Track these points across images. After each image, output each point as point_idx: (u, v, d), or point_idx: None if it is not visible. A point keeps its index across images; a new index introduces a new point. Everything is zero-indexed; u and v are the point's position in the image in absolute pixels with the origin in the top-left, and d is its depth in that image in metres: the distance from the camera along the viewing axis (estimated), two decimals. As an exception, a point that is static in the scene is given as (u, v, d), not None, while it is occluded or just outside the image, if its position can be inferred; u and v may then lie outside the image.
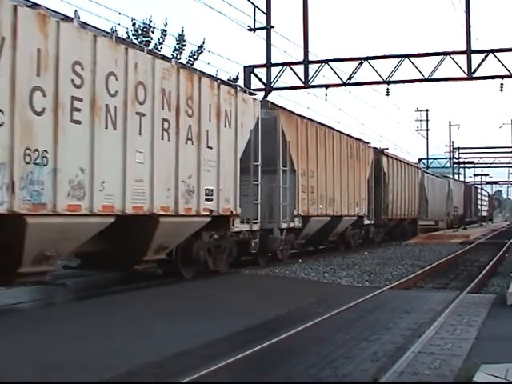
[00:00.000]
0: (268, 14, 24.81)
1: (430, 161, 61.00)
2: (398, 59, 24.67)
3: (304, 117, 19.30)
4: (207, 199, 13.09)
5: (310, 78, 25.53)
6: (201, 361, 6.50)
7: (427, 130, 65.16)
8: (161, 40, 25.55)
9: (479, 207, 73.85)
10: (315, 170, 19.30)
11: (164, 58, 12.58)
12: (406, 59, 24.45)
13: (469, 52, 23.48)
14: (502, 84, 24.39)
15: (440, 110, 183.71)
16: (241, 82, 25.38)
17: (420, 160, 57.44)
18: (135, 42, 20.02)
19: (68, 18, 10.03)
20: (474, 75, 23.66)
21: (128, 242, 11.15)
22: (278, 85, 25.92)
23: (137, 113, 11.01)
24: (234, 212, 14.17)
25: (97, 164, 9.96)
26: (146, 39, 24.98)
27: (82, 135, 9.76)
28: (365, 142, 25.30)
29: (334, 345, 7.55)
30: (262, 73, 25.97)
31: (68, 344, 7.28)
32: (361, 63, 25.08)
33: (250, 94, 15.62)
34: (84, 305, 10.04)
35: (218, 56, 23.88)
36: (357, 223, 23.76)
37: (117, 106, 10.52)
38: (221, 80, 14.47)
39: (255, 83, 25.76)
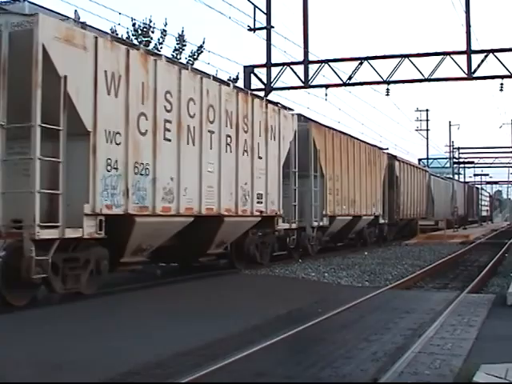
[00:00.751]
0: (268, 14, 24.82)
1: (429, 161, 61.01)
2: (397, 59, 24.70)
3: (331, 128, 21.86)
4: (258, 202, 15.46)
5: (309, 78, 25.55)
6: (200, 361, 6.49)
7: (427, 130, 65.18)
8: (161, 40, 25.55)
9: (481, 207, 77.18)
10: (339, 175, 21.67)
11: (225, 82, 14.95)
12: (406, 59, 24.47)
13: (469, 52, 23.49)
14: (501, 84, 24.44)
15: (440, 109, 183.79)
16: (241, 82, 25.41)
17: (420, 160, 57.46)
18: (135, 42, 19.99)
19: (158, 55, 12.81)
20: (474, 75, 23.68)
21: (197, 238, 13.32)
22: (278, 85, 25.95)
23: (208, 130, 13.45)
24: (278, 213, 16.56)
25: (182, 173, 12.37)
26: (146, 39, 24.96)
27: (171, 150, 12.16)
28: (380, 149, 27.52)
29: (334, 345, 7.54)
30: (262, 73, 26.01)
31: (68, 344, 7.28)
32: (361, 63, 25.09)
33: (289, 109, 17.88)
34: (84, 305, 10.03)
35: (218, 56, 23.84)
36: (373, 222, 26.16)
37: (195, 125, 12.97)
38: (267, 100, 16.94)
39: (255, 83, 25.81)
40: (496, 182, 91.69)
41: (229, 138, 14.24)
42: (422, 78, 24.51)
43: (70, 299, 10.10)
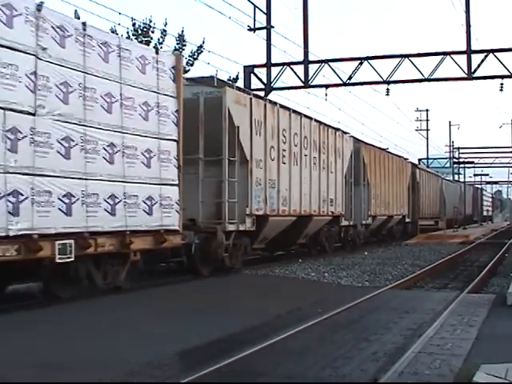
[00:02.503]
0: (268, 14, 24.83)
1: (429, 161, 61.01)
2: (398, 59, 24.72)
3: (373, 145, 27.37)
4: (331, 205, 20.65)
5: (309, 77, 25.56)
6: (200, 361, 6.49)
7: (427, 129, 65.24)
8: (161, 40, 25.53)
9: (484, 207, 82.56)
10: (379, 183, 26.70)
11: (311, 118, 19.48)
12: (406, 59, 24.49)
13: (469, 52, 23.50)
14: (502, 84, 24.46)
15: (440, 109, 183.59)
16: (241, 82, 25.41)
17: (420, 160, 57.44)
18: (135, 41, 19.90)
19: (275, 103, 17.35)
20: (474, 75, 23.69)
21: (293, 231, 18.41)
22: (278, 85, 25.96)
23: (304, 154, 18.61)
24: (342, 213, 21.93)
25: (291, 186, 17.60)
26: (146, 39, 24.93)
27: (286, 170, 17.40)
28: (405, 159, 32.73)
29: (334, 345, 7.54)
30: (262, 73, 26.02)
31: (68, 344, 7.28)
32: (361, 63, 25.10)
33: (346, 133, 23.09)
34: (84, 305, 10.03)
35: (218, 56, 23.81)
36: (400, 221, 31.42)
37: (297, 151, 18.10)
38: (334, 127, 21.81)
39: (255, 83, 25.82)
40: (496, 182, 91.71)
41: (314, 159, 19.41)
42: (422, 77, 24.52)
43: (70, 299, 10.10)
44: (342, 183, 21.76)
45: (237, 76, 26.65)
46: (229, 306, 10.48)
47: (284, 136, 17.19)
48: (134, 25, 24.56)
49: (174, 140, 12.29)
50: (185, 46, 26.11)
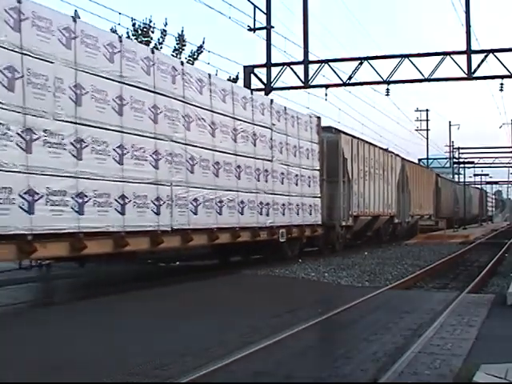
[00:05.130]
0: (268, 14, 24.81)
1: (429, 161, 61.00)
2: (398, 59, 24.68)
3: (413, 162, 37.48)
4: (388, 208, 28.18)
5: (309, 77, 25.54)
6: (199, 361, 6.49)
7: (427, 130, 65.24)
8: (161, 40, 25.53)
9: (488, 208, 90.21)
10: (416, 190, 34.89)
11: (377, 146, 27.71)
12: (406, 59, 24.46)
13: (469, 52, 23.47)
14: (502, 84, 24.42)
15: (440, 109, 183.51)
16: (241, 82, 25.39)
17: (420, 160, 57.45)
18: (135, 41, 19.87)
19: (361, 139, 25.54)
20: (474, 75, 23.66)
21: (367, 227, 26.29)
22: (277, 85, 25.93)
23: (375, 173, 26.26)
24: (395, 213, 29.58)
25: (371, 195, 25.33)
26: (146, 39, 24.93)
27: (367, 185, 24.87)
28: (432, 171, 42.62)
29: (334, 345, 7.54)
30: (262, 73, 25.98)
31: (68, 344, 7.28)
32: (361, 63, 25.08)
33: (397, 155, 30.96)
34: (84, 305, 10.04)
35: (217, 56, 23.77)
36: (430, 217, 39.39)
37: (372, 171, 25.69)
38: (387, 150, 29.42)
39: (255, 83, 25.78)
40: (496, 182, 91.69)
41: (380, 175, 26.90)
42: (422, 77, 24.49)
43: (70, 299, 10.10)
44: (395, 190, 29.58)
45: (237, 76, 26.65)
46: (229, 306, 10.48)
47: (366, 161, 24.90)
48: (133, 25, 24.56)
49: (318, 170, 20.43)
50: (185, 45, 26.12)
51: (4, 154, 9.00)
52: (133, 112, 11.76)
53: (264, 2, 24.74)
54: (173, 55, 23.55)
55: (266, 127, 16.76)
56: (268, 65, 25.69)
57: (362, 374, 6.23)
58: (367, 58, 25.17)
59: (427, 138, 64.12)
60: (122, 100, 11.48)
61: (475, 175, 69.04)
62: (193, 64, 23.99)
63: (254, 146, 16.16)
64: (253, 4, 23.11)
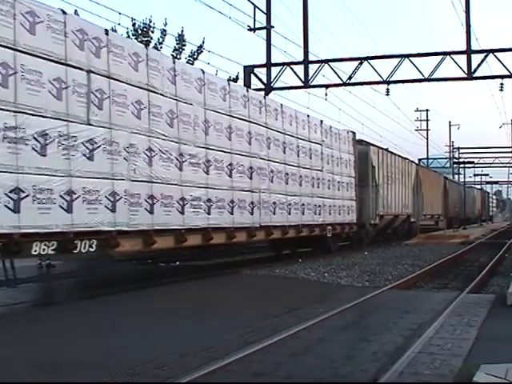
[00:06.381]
0: (268, 14, 24.81)
1: (429, 161, 60.99)
2: (398, 59, 24.70)
3: (425, 168, 42.76)
4: (406, 208, 31.70)
5: (309, 77, 25.55)
6: (199, 361, 6.50)
7: (427, 129, 65.22)
8: (161, 40, 25.52)
9: (490, 208, 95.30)
10: (428, 192, 38.77)
11: (397, 154, 31.56)
12: (406, 59, 24.47)
13: (469, 52, 23.48)
14: (502, 84, 24.45)
15: (440, 109, 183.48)
16: (241, 82, 25.38)
17: (420, 160, 57.44)
18: (135, 41, 19.83)
19: (384, 149, 29.77)
20: (474, 75, 23.67)
21: (388, 224, 29.55)
22: (277, 85, 25.95)
23: (396, 178, 29.49)
24: (411, 213, 33.05)
25: (393, 197, 28.97)
26: (146, 39, 24.92)
27: (389, 188, 28.43)
28: (441, 174, 46.56)
29: (335, 345, 7.55)
30: (262, 73, 26.00)
31: (67, 344, 7.28)
32: (361, 63, 25.09)
33: (412, 161, 35.72)
34: (84, 305, 10.04)
35: (218, 56, 23.81)
36: (439, 217, 43.59)
37: (393, 177, 28.91)
38: (405, 158, 33.19)
39: (255, 83, 25.80)
40: (496, 182, 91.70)
41: (399, 180, 30.31)
42: (422, 77, 24.51)
43: (70, 299, 10.11)
44: (412, 193, 33.14)
45: (237, 76, 26.64)
46: (229, 307, 10.48)
47: (389, 168, 28.50)
48: (133, 25, 24.54)
49: (353, 177, 24.02)
50: (185, 45, 26.10)
51: (168, 172, 12.81)
52: (237, 138, 15.60)
53: (264, 2, 24.75)
54: (173, 55, 23.53)
55: (318, 143, 20.77)
56: (268, 65, 25.70)
57: (362, 373, 6.23)
58: (367, 58, 25.18)
59: (427, 138, 64.21)
60: (230, 129, 15.28)
61: (475, 175, 69.06)
62: (193, 64, 23.98)
63: (310, 159, 20.13)
64: (253, 4, 23.12)
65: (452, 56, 23.73)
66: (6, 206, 9.09)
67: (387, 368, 6.21)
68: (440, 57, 24.04)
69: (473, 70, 23.50)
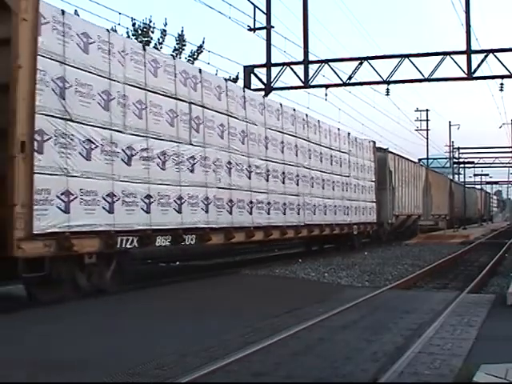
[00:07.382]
0: (268, 14, 24.81)
1: (429, 161, 60.97)
2: (398, 59, 24.71)
3: (434, 171, 43.67)
4: (417, 208, 34.87)
5: (309, 77, 25.56)
6: (199, 361, 6.49)
7: (427, 129, 65.20)
8: (161, 40, 25.54)
9: (491, 208, 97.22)
10: (435, 194, 41.59)
11: (410, 160, 35.13)
12: (406, 59, 24.47)
13: (469, 52, 23.48)
14: (502, 84, 24.46)
15: (440, 109, 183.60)
16: (241, 82, 25.41)
17: (420, 160, 57.43)
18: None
19: (396, 154, 32.64)
20: (474, 75, 23.68)
21: (402, 223, 32.42)
22: (277, 85, 25.96)
23: (409, 181, 33.25)
24: (421, 213, 36.29)
25: (406, 199, 32.37)
26: (146, 39, 24.93)
27: (403, 190, 31.97)
28: (446, 177, 49.04)
29: (334, 345, 7.54)
30: (262, 73, 26.01)
31: (68, 344, 7.28)
32: (361, 63, 25.09)
33: (422, 165, 39.52)
34: (84, 305, 10.04)
35: (218, 56, 23.86)
36: (445, 217, 46.98)
37: (407, 180, 32.60)
38: (415, 162, 36.78)
39: (255, 83, 25.81)
40: (496, 182, 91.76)
41: (411, 182, 33.38)
42: (422, 77, 24.51)
43: (69, 299, 10.11)
44: (421, 194, 36.34)
45: (237, 76, 26.67)
46: (229, 307, 10.48)
47: (403, 173, 31.70)
48: (133, 25, 24.60)
49: (373, 181, 26.66)
50: (185, 45, 26.16)
51: (241, 180, 15.59)
52: (288, 150, 18.44)
53: (264, 2, 24.76)
54: (172, 55, 23.54)
55: (346, 153, 23.49)
56: (268, 65, 25.70)
57: (362, 373, 6.23)
58: (367, 58, 25.18)
59: (427, 138, 64.19)
60: (283, 143, 18.14)
61: (475, 175, 69.10)
62: (193, 63, 23.99)
63: (340, 166, 22.92)
64: (253, 4, 23.14)
65: (452, 56, 23.74)
66: (142, 209, 11.77)
67: (387, 368, 6.20)
68: (440, 57, 24.04)
69: (473, 70, 23.50)
